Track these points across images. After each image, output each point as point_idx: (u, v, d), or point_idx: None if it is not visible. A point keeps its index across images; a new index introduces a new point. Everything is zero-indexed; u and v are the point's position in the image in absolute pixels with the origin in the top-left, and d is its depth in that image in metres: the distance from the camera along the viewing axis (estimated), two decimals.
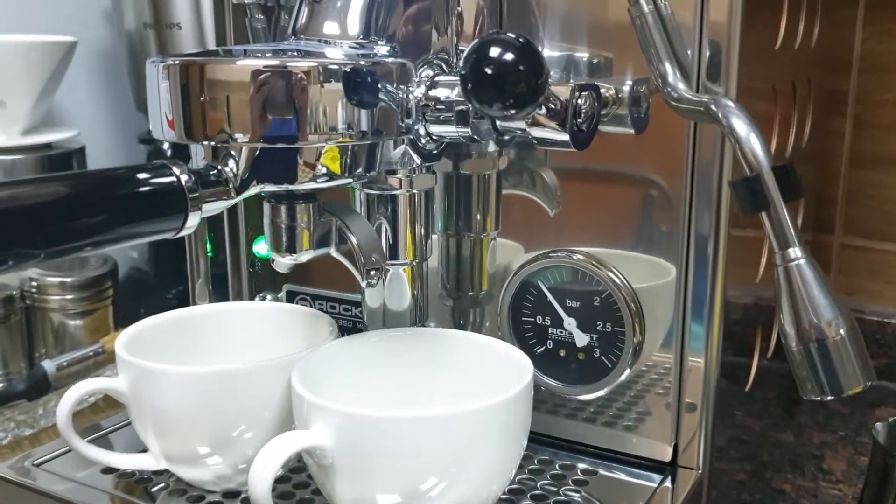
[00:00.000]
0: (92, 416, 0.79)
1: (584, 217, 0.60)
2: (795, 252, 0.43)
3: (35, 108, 1.01)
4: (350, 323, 0.68)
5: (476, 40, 0.45)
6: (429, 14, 0.54)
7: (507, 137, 0.60)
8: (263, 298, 0.71)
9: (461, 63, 0.45)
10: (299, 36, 0.51)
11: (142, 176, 0.42)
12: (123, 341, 0.54)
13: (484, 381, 0.53)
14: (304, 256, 0.51)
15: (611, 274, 0.59)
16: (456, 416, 0.46)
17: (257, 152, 0.45)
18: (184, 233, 0.43)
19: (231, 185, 0.45)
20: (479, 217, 0.63)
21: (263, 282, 0.72)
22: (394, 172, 0.55)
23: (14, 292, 0.92)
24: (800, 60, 0.69)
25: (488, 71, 0.44)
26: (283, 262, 0.51)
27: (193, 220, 0.43)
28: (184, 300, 0.80)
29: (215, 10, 0.70)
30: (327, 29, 0.51)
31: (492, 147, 0.61)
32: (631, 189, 0.58)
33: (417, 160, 0.55)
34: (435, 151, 0.56)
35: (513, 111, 0.45)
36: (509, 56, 0.44)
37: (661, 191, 0.57)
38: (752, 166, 0.43)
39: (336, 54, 0.49)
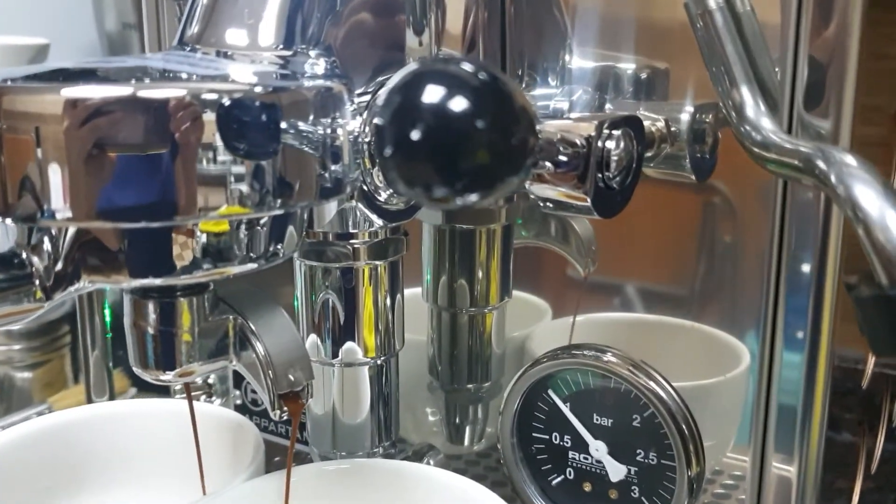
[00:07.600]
0: None
1: (623, 275, 0.47)
2: None
3: None
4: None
5: (402, 71, 0.28)
6: (392, 14, 0.37)
7: None
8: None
9: (375, 105, 0.28)
10: (192, 46, 0.34)
11: None
12: None
13: None
14: (184, 376, 0.34)
15: (653, 384, 0.41)
16: None
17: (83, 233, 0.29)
18: None
19: (37, 284, 0.28)
20: (480, 286, 0.47)
21: None
22: (347, 237, 0.39)
23: None
24: None
25: (415, 135, 0.26)
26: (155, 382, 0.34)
27: None
28: None
29: (146, 5, 0.55)
30: (231, 37, 0.34)
31: None
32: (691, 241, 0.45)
33: (379, 222, 0.38)
34: (404, 207, 0.39)
35: (470, 197, 0.27)
36: (460, 103, 0.26)
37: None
38: (892, 273, 0.25)
39: (240, 74, 0.32)
